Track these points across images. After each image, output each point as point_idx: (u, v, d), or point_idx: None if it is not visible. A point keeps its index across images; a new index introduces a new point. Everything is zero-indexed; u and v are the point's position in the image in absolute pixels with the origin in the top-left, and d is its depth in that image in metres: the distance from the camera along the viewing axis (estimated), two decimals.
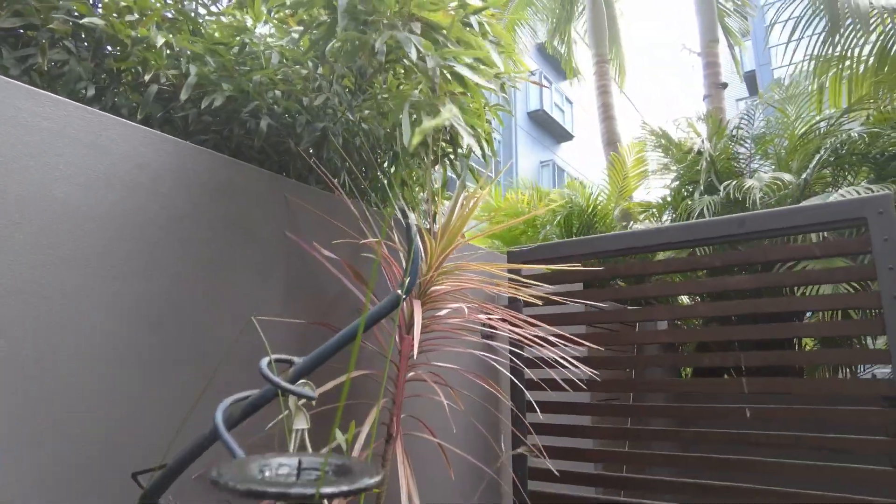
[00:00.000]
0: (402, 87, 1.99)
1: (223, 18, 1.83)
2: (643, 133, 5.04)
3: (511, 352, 2.05)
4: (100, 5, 1.45)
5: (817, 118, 4.16)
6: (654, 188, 5.21)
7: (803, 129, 4.17)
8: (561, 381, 1.77)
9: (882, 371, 4.49)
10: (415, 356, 1.30)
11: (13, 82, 1.05)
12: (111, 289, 1.14)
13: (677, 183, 4.59)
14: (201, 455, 0.85)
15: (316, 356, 0.88)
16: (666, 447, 3.06)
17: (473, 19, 1.61)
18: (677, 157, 4.71)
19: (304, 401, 0.92)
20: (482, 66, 1.62)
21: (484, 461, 1.99)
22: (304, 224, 1.58)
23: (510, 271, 2.05)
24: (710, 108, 6.11)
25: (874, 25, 4.21)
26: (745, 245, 3.35)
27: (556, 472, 1.88)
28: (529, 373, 2.05)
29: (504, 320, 1.55)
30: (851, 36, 4.33)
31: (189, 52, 1.54)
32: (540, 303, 1.72)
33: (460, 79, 1.57)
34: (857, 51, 4.31)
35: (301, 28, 1.81)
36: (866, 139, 3.64)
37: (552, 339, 1.54)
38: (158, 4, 1.64)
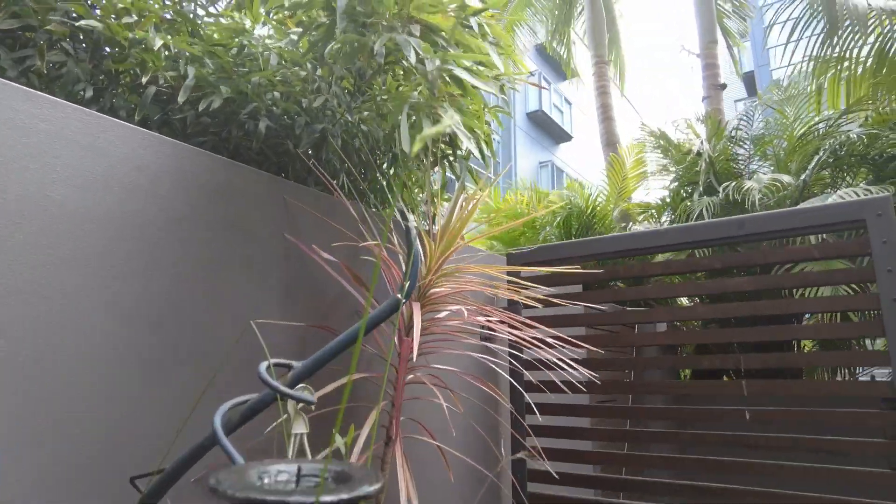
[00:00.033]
0: (401, 88, 1.99)
1: (222, 20, 1.83)
2: (642, 134, 5.04)
3: (510, 354, 2.05)
4: (98, 9, 1.45)
5: (816, 119, 4.17)
6: (654, 189, 5.22)
7: (802, 131, 4.17)
8: (560, 383, 1.77)
9: (880, 372, 4.50)
10: (414, 359, 1.30)
11: (11, 84, 1.04)
12: (111, 289, 1.13)
13: (676, 184, 4.59)
14: (200, 459, 0.84)
15: (315, 360, 0.88)
16: (665, 449, 3.06)
17: (473, 21, 1.61)
18: (676, 159, 4.71)
19: (302, 405, 0.92)
20: (482, 69, 1.62)
21: (483, 463, 1.99)
22: (303, 226, 1.58)
23: (509, 273, 2.05)
24: (709, 109, 6.11)
25: (872, 27, 4.22)
26: (745, 247, 3.35)
27: (555, 475, 1.88)
28: (528, 375, 2.05)
29: (503, 322, 1.55)
30: (850, 37, 4.34)
31: (187, 54, 1.53)
32: (539, 305, 1.72)
33: (459, 82, 1.56)
34: (855, 52, 4.32)
35: (300, 30, 1.81)
36: (865, 140, 3.65)
37: (551, 341, 1.54)
38: (157, 6, 1.64)
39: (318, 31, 1.64)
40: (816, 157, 3.72)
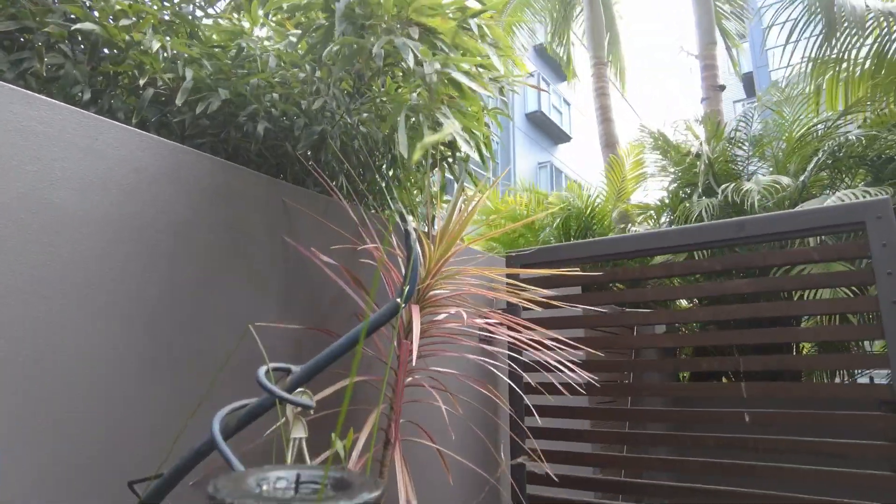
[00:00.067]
0: (400, 89, 1.99)
1: (220, 22, 1.82)
2: (641, 135, 5.04)
3: (509, 356, 2.05)
4: (95, 11, 1.44)
5: (815, 120, 4.17)
6: (653, 190, 5.22)
7: (801, 132, 4.18)
8: (559, 386, 1.77)
9: (878, 374, 4.50)
10: (413, 361, 1.29)
11: (8, 86, 1.04)
12: (110, 291, 1.13)
13: (675, 185, 4.59)
14: (198, 464, 0.84)
15: (313, 365, 0.88)
16: (664, 451, 3.06)
17: (472, 22, 1.61)
18: (675, 160, 4.71)
19: (301, 409, 0.91)
20: (481, 71, 1.62)
21: (483, 466, 1.98)
22: (301, 228, 1.57)
23: (509, 275, 2.04)
24: (708, 110, 6.11)
25: (870, 29, 4.22)
26: (744, 249, 3.35)
27: (554, 477, 1.87)
28: (528, 377, 2.05)
29: (502, 325, 1.54)
30: (848, 39, 4.34)
31: (186, 56, 1.53)
32: (538, 308, 1.71)
33: (458, 86, 1.56)
34: (853, 53, 4.32)
35: (299, 31, 1.80)
36: (863, 142, 3.65)
37: (550, 343, 1.53)
38: (155, 7, 1.63)
39: (316, 33, 1.64)
40: (815, 159, 3.72)
